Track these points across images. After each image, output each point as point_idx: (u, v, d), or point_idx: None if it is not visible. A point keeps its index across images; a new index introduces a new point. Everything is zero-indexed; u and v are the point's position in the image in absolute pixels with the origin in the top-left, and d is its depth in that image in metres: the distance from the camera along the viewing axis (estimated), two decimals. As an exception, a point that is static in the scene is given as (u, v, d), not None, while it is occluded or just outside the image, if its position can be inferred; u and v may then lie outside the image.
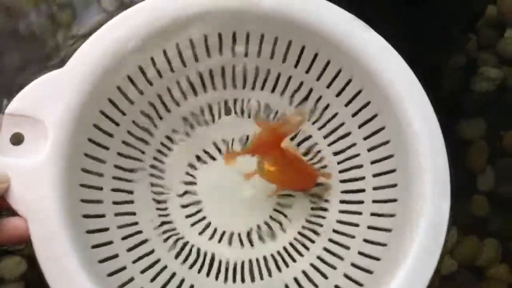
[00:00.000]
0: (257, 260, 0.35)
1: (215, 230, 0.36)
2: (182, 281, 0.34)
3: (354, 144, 0.35)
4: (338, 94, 0.34)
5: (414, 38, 0.36)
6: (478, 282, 0.37)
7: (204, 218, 0.36)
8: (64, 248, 0.28)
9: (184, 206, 0.36)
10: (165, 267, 0.34)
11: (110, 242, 0.32)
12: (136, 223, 0.34)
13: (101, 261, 0.31)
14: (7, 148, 0.29)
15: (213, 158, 0.37)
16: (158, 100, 0.35)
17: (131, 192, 0.35)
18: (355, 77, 0.33)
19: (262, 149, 0.32)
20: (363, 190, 0.34)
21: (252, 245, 0.36)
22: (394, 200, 0.32)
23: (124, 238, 0.33)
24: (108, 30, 0.31)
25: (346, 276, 0.33)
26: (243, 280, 0.35)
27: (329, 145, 0.36)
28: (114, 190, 0.34)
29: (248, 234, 0.36)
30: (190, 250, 0.35)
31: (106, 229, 0.32)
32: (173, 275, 0.34)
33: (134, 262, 0.33)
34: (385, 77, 0.31)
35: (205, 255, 0.35)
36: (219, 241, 0.36)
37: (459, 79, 0.40)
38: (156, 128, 0.36)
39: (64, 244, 0.28)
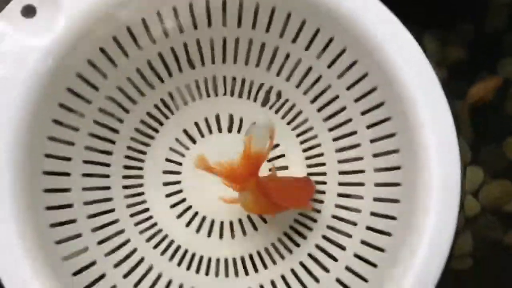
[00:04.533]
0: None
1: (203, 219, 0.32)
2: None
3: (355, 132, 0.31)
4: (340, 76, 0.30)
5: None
6: (505, 228, 0.33)
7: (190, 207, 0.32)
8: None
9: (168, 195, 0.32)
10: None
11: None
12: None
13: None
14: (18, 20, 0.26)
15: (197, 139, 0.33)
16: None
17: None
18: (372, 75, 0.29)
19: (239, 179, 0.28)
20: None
21: (244, 235, 0.32)
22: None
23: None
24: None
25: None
26: (236, 274, 0.31)
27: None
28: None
29: (239, 223, 0.32)
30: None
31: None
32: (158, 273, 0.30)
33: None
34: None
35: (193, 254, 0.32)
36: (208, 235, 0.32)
37: (505, 16, 0.37)
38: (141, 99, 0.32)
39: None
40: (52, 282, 0.25)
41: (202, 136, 0.33)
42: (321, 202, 0.32)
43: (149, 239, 0.31)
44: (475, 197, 0.34)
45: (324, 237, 0.31)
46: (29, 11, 0.26)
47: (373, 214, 0.30)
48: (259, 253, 0.32)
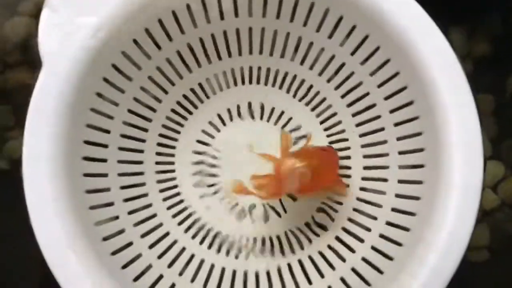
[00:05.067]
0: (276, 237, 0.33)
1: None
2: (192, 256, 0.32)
3: (379, 117, 0.32)
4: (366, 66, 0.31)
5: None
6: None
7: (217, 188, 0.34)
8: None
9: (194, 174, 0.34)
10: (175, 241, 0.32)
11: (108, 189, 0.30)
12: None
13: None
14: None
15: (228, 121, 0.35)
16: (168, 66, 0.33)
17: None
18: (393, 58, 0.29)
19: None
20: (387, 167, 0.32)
21: (267, 220, 0.33)
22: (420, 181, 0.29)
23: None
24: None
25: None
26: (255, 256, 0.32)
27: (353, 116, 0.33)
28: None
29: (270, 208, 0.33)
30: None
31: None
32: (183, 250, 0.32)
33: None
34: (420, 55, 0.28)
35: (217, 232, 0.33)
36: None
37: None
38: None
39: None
40: (81, 242, 0.26)
41: (232, 120, 0.35)
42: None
43: (175, 215, 0.33)
44: (494, 191, 0.35)
45: (344, 229, 0.32)
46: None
47: (394, 209, 0.30)
48: (278, 238, 0.33)
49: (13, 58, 0.37)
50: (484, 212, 0.35)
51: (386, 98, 0.31)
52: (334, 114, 0.34)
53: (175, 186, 0.33)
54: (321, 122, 0.34)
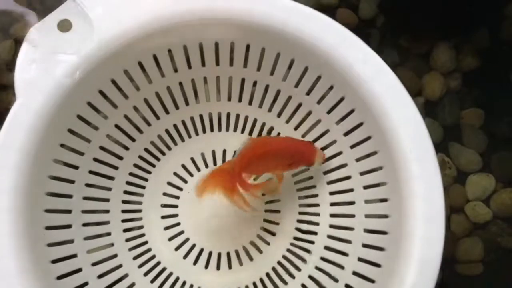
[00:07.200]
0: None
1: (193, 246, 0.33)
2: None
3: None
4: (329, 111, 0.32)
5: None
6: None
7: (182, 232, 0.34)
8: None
9: (164, 219, 0.34)
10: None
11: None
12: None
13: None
14: (53, 32, 0.28)
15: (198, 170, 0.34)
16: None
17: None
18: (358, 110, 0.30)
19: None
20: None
21: (240, 265, 0.33)
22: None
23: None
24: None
25: None
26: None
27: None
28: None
29: (235, 255, 0.33)
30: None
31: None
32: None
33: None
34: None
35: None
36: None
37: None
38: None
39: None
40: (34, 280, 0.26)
41: (207, 166, 0.35)
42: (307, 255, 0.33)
43: (136, 257, 0.33)
44: (486, 204, 0.35)
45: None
46: (65, 26, 0.28)
47: (355, 273, 0.30)
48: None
49: (5, 80, 0.37)
50: (476, 226, 0.35)
51: (358, 160, 0.31)
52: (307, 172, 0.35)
53: (142, 229, 0.33)
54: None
